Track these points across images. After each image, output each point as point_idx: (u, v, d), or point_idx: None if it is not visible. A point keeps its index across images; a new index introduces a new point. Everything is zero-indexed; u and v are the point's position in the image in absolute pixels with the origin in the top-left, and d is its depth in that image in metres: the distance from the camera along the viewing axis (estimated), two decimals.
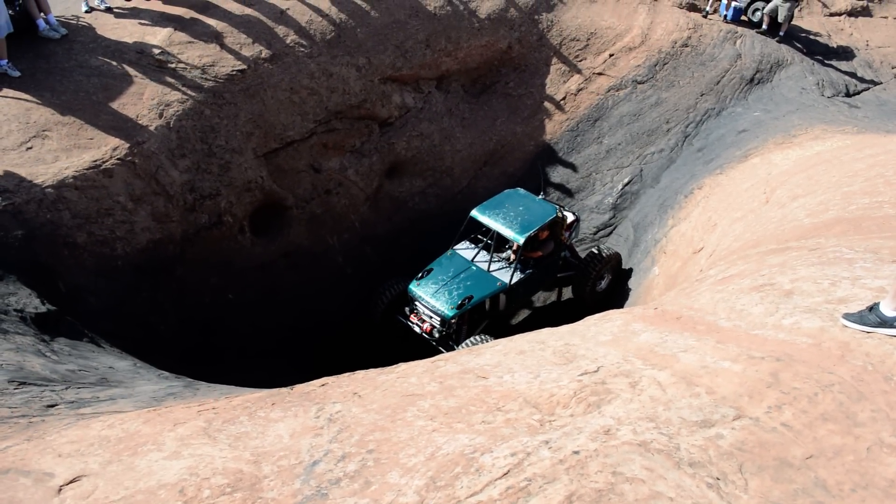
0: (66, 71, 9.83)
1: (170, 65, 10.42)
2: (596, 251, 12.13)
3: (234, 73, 10.78)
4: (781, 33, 15.56)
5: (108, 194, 8.88)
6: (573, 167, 14.17)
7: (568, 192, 14.01)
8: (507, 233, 10.84)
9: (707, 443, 3.20)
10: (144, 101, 9.83)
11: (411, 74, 13.13)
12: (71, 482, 3.29)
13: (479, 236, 11.93)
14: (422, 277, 11.01)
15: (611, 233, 13.41)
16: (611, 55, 14.84)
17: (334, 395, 4.07)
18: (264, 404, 3.97)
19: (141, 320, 8.84)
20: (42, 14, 10.34)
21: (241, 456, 3.37)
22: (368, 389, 4.12)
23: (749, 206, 9.59)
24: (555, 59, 14.79)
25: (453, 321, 10.48)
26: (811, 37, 16.35)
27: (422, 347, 10.68)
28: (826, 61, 15.71)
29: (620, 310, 5.50)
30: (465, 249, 11.61)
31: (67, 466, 3.43)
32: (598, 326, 4.83)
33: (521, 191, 11.97)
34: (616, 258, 12.31)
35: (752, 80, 14.60)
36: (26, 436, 3.86)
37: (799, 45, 15.80)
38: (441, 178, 13.45)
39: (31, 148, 8.72)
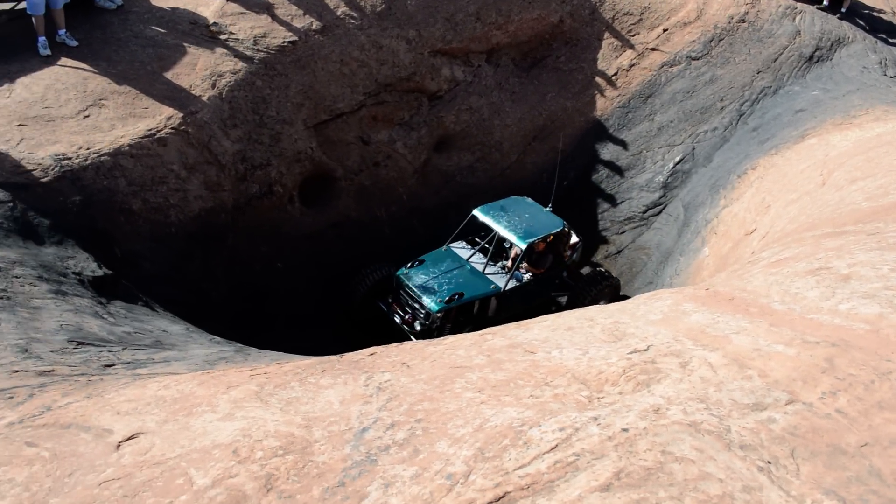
0: (121, 41, 10.00)
1: (222, 36, 10.52)
2: (596, 273, 11.87)
3: (286, 44, 10.84)
4: (843, 9, 15.07)
5: (163, 163, 9.04)
6: (623, 144, 13.99)
7: (617, 169, 13.85)
8: (509, 236, 10.60)
9: (759, 426, 3.17)
10: (198, 72, 9.95)
11: (461, 48, 13.05)
12: (129, 439, 3.40)
13: (477, 239, 11.68)
14: (412, 266, 10.69)
15: (660, 212, 13.23)
16: (665, 30, 14.55)
17: (383, 365, 4.12)
18: (314, 371, 4.04)
19: (193, 286, 9.03)
20: None
21: (292, 420, 3.44)
22: (417, 360, 4.16)
23: (805, 188, 9.38)
24: (607, 34, 14.56)
25: (438, 315, 10.10)
26: (874, 14, 15.81)
27: (398, 336, 10.49)
28: (890, 40, 15.19)
29: (671, 289, 5.45)
30: (460, 249, 11.35)
31: (125, 424, 3.54)
32: (648, 305, 4.79)
33: (529, 200, 11.76)
34: (615, 286, 11.92)
35: (811, 57, 14.19)
36: (86, 393, 3.98)
37: (861, 23, 15.29)
38: (489, 152, 13.40)
39: (88, 116, 8.90)
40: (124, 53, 9.77)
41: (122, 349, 5.56)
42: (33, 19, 9.48)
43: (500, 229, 10.68)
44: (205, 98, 9.71)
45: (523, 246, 10.46)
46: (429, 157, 12.71)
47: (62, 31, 9.67)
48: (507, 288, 10.65)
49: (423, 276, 10.45)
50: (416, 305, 10.23)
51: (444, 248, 11.24)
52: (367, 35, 11.71)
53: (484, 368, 3.94)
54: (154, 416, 3.60)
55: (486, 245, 11.28)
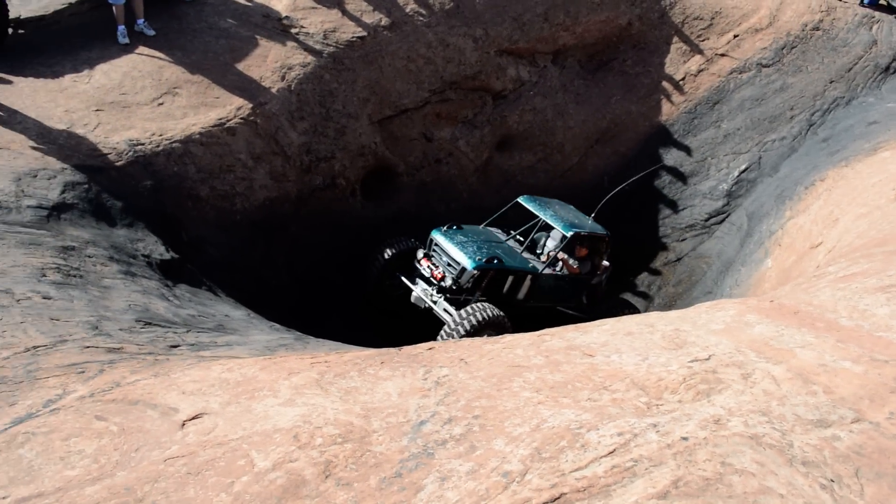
0: (196, 32, 10.25)
1: (293, 29, 10.69)
2: (618, 301, 11.44)
3: (354, 39, 10.97)
4: None
5: (231, 151, 9.25)
6: (688, 150, 13.77)
7: (681, 176, 13.65)
8: (555, 223, 10.29)
9: (822, 443, 3.11)
10: (268, 64, 10.14)
11: (527, 48, 13.01)
12: (193, 418, 3.50)
13: (511, 231, 11.07)
14: (449, 228, 10.10)
15: (723, 220, 12.99)
16: (735, 36, 14.27)
17: (441, 360, 4.15)
18: (374, 362, 4.09)
19: (255, 274, 9.22)
20: None
21: (351, 409, 3.50)
22: (475, 357, 4.18)
23: (875, 203, 9.10)
24: (675, 38, 14.34)
25: (474, 273, 9.37)
26: None
27: (422, 320, 9.96)
28: None
29: (734, 299, 5.37)
30: (497, 232, 10.94)
31: (190, 403, 3.65)
32: (710, 314, 4.73)
33: (572, 207, 11.50)
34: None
35: (887, 68, 13.75)
36: (153, 371, 4.11)
37: None
38: (551, 153, 13.34)
39: (162, 104, 9.15)
40: (198, 44, 10.02)
41: (187, 331, 5.71)
42: (114, 8, 9.78)
43: (546, 216, 10.38)
44: (274, 90, 9.89)
45: (569, 234, 10.11)
46: (490, 155, 12.71)
47: (141, 21, 9.96)
48: (543, 272, 10.14)
49: (461, 237, 9.88)
50: (450, 262, 9.57)
51: (482, 226, 10.88)
52: (435, 32, 11.77)
53: (542, 369, 3.95)
54: (217, 397, 3.70)
55: (520, 238, 10.84)
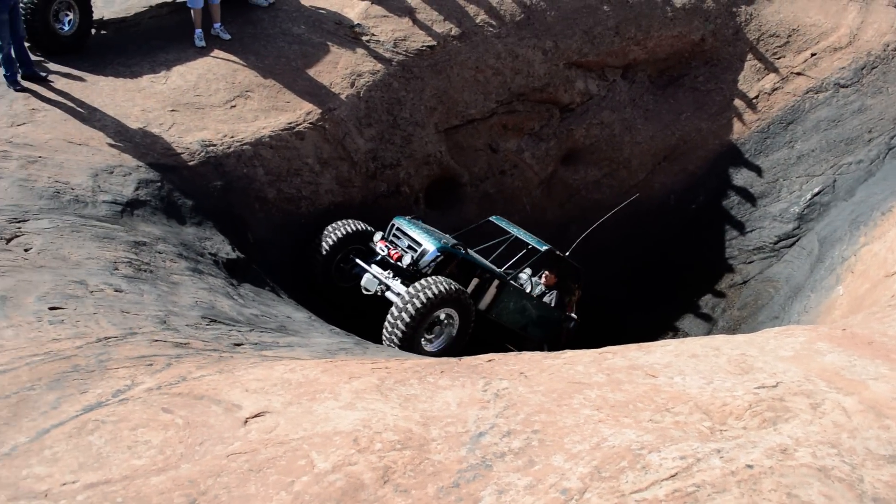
0: (270, 37, 10.48)
1: (364, 37, 10.84)
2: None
3: (424, 48, 11.06)
4: None
5: (299, 155, 9.41)
6: (758, 171, 13.47)
7: (750, 196, 13.35)
8: (529, 240, 9.79)
9: (895, 479, 2.99)
10: (338, 70, 10.30)
11: (597, 61, 12.93)
12: (256, 416, 3.56)
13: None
14: (414, 219, 9.42)
15: (793, 244, 12.64)
16: (813, 55, 13.91)
17: (501, 372, 4.14)
18: (433, 371, 4.11)
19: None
20: None
21: (410, 416, 3.51)
22: (535, 371, 4.16)
23: None
24: (750, 55, 14.07)
25: (438, 256, 8.60)
26: None
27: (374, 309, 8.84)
28: None
29: (803, 326, 5.22)
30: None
31: (253, 401, 3.71)
32: (779, 340, 4.61)
33: None
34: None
35: None
36: (218, 368, 4.20)
37: None
38: (617, 169, 13.21)
39: (234, 106, 9.37)
40: (272, 49, 10.23)
41: (250, 330, 5.82)
42: (192, 12, 10.08)
43: (520, 234, 9.90)
44: (343, 96, 10.04)
45: (543, 248, 9.59)
46: (555, 169, 12.65)
47: (217, 25, 10.23)
48: (510, 279, 9.31)
49: (426, 227, 9.20)
50: (411, 244, 8.80)
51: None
52: (504, 43, 11.79)
53: (603, 387, 3.90)
54: (280, 397, 3.75)
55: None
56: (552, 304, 10.06)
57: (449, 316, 8.25)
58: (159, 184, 7.99)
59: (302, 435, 3.33)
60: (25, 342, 4.39)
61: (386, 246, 8.91)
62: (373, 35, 10.89)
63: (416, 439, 3.28)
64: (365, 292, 8.74)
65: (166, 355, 4.43)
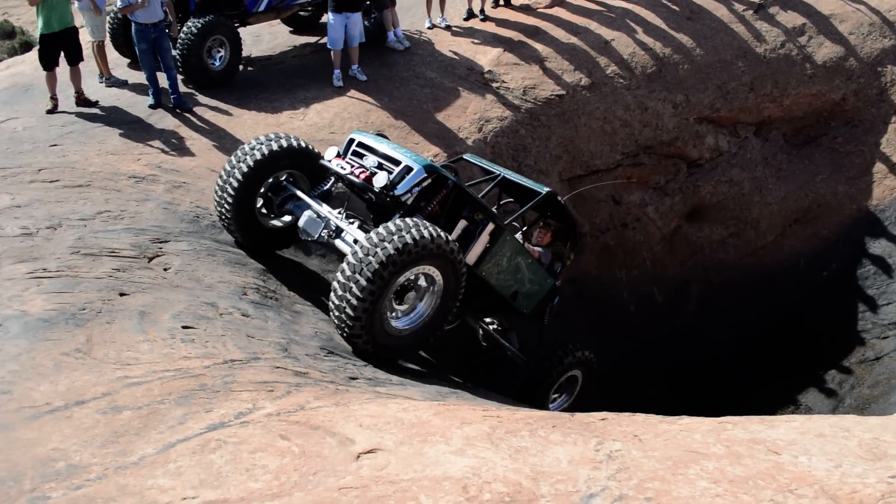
0: (404, 80, 10.82)
1: (494, 84, 11.03)
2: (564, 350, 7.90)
3: (553, 97, 11.13)
4: None
5: None
6: None
7: (887, 267, 12.58)
8: (523, 181, 7.77)
9: None
10: (467, 115, 10.49)
11: (729, 117, 12.64)
12: (368, 452, 3.60)
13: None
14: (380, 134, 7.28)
15: None
16: None
17: (614, 433, 4.03)
18: (545, 424, 4.05)
19: None
20: (392, 27, 11.47)
21: (520, 469, 3.46)
22: (649, 435, 4.03)
23: None
24: (895, 118, 13.38)
25: (425, 179, 6.35)
26: None
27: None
28: None
29: None
30: None
31: (366, 437, 3.76)
32: None
33: None
34: (591, 365, 8.29)
35: None
36: (334, 401, 4.29)
37: None
38: (744, 229, 12.77)
39: None
40: (405, 91, 10.56)
41: (365, 365, 5.93)
42: (332, 53, 10.57)
43: (509, 174, 7.82)
44: (470, 140, 10.21)
45: (544, 191, 7.52)
46: (679, 225, 12.37)
47: (355, 67, 10.67)
48: (507, 224, 7.04)
49: (400, 146, 7.06)
50: (384, 161, 6.51)
51: None
52: (634, 95, 11.71)
53: (721, 459, 3.73)
54: (392, 435, 3.79)
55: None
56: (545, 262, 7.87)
57: (430, 279, 5.99)
58: None
59: (412, 476, 3.34)
60: (159, 357, 4.63)
61: (347, 163, 6.60)
62: (503, 82, 11.06)
63: (526, 493, 3.23)
64: (304, 238, 6.72)
65: (286, 383, 4.56)
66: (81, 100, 9.61)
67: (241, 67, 10.76)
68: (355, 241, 6.03)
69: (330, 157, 6.76)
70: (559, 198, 7.76)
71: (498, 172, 7.75)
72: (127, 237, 6.58)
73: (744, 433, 4.22)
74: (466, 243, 6.63)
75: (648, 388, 10.89)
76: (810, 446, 4.00)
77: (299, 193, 6.88)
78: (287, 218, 7.10)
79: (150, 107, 9.61)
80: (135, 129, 9.12)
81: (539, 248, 7.86)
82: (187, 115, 9.52)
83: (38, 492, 3.12)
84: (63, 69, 9.52)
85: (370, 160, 6.53)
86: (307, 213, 6.55)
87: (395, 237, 5.47)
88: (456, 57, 11.43)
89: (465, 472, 3.41)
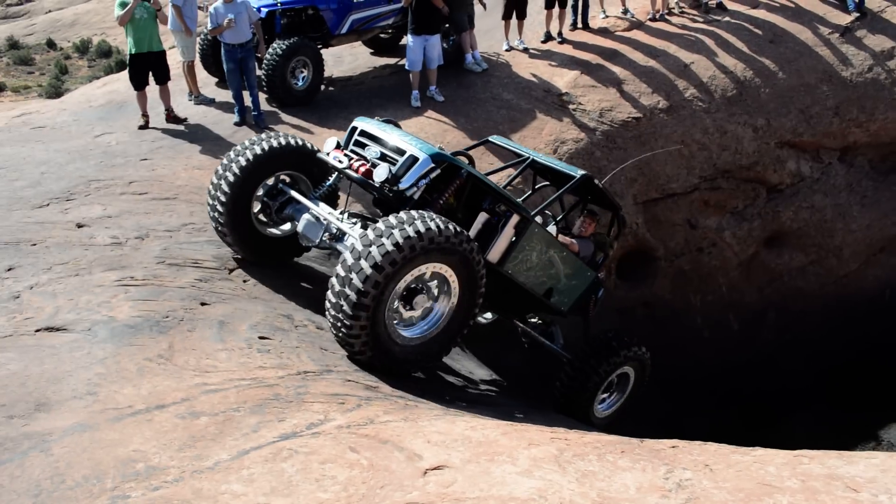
0: (480, 101, 10.92)
1: (570, 105, 11.03)
2: (619, 342, 7.21)
3: (629, 119, 11.06)
4: None
5: None
6: None
7: None
8: (555, 165, 7.11)
9: None
10: (543, 136, 10.52)
11: (812, 142, 12.31)
12: (435, 468, 3.64)
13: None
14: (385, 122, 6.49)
15: None
16: None
17: (684, 461, 3.97)
18: (613, 449, 4.02)
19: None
20: (470, 49, 11.61)
21: (587, 493, 3.45)
22: (721, 466, 3.95)
23: None
24: None
25: (433, 169, 5.64)
26: None
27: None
28: None
29: None
30: None
31: (434, 454, 3.80)
32: None
33: None
34: (644, 363, 7.56)
35: None
36: (403, 416, 4.36)
37: None
38: (826, 256, 12.38)
39: None
40: (481, 112, 10.66)
41: (433, 380, 5.99)
42: (410, 75, 10.76)
43: (541, 158, 7.19)
44: None
45: (578, 174, 6.79)
46: (757, 251, 12.07)
47: (433, 88, 10.83)
48: (535, 216, 6.26)
49: (409, 133, 6.37)
50: (387, 153, 5.86)
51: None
52: (713, 119, 11.53)
53: (796, 494, 3.64)
54: (459, 453, 3.82)
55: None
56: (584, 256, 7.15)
57: (441, 279, 5.30)
58: None
59: (478, 495, 3.36)
60: (236, 366, 4.79)
61: (346, 156, 6.02)
62: (580, 104, 11.06)
63: None
64: (305, 244, 6.19)
65: (357, 396, 4.66)
66: (171, 117, 10.08)
67: (322, 87, 11.06)
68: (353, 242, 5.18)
69: (329, 149, 6.15)
70: (596, 181, 7.03)
71: (527, 155, 7.09)
72: (209, 249, 6.83)
73: (821, 468, 4.10)
74: (489, 239, 5.95)
75: (721, 416, 10.63)
76: (892, 486, 3.87)
77: (297, 196, 6.25)
78: (287, 226, 6.60)
79: (235, 124, 10.00)
80: (220, 145, 9.47)
81: (573, 240, 7.11)
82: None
83: (118, 490, 3.26)
84: (153, 88, 9.99)
85: (372, 151, 5.90)
86: (305, 217, 5.96)
87: (396, 231, 4.83)
88: (533, 79, 11.48)
89: (531, 493, 3.42)
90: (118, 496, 3.21)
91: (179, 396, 4.21)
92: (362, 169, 5.74)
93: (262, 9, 10.54)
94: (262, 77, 10.30)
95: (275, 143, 6.17)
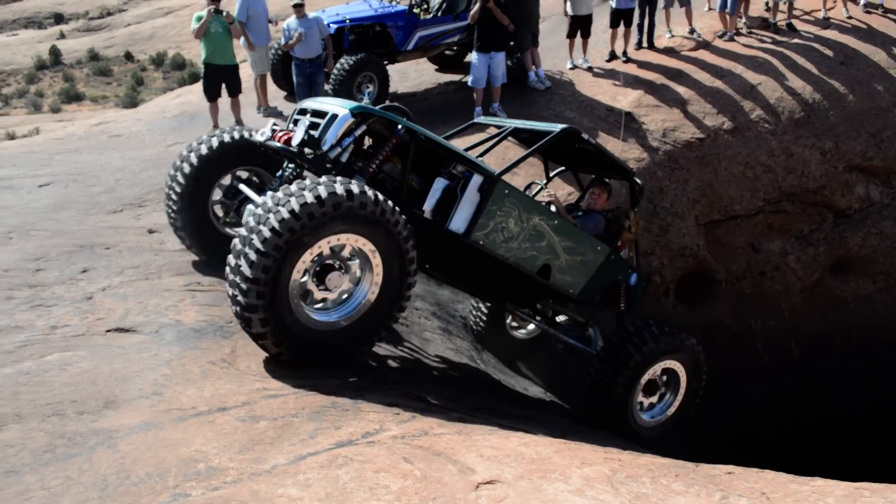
0: (543, 119, 10.95)
1: (633, 125, 10.96)
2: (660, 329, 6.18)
3: (693, 140, 10.96)
4: None
5: None
6: None
7: None
8: (540, 126, 6.34)
9: None
10: None
11: (883, 166, 11.99)
12: (487, 483, 3.67)
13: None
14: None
15: None
16: None
17: (740, 488, 3.93)
18: (668, 472, 4.00)
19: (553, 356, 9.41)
20: (534, 67, 11.67)
21: None
22: (778, 494, 3.90)
23: None
24: None
25: (351, 123, 5.01)
26: None
27: None
28: None
29: None
30: None
31: (486, 468, 3.84)
32: None
33: None
34: (696, 357, 6.53)
35: None
36: (457, 429, 4.41)
37: None
38: (894, 285, 12.01)
39: None
40: None
41: (488, 394, 6.03)
42: (474, 92, 10.85)
43: (525, 123, 6.62)
44: None
45: (558, 128, 6.02)
46: (822, 277, 11.78)
47: (496, 105, 10.91)
48: (502, 175, 5.33)
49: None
50: (317, 119, 5.22)
51: None
52: (780, 141, 11.34)
53: None
54: (511, 469, 3.86)
55: None
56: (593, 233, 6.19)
57: (363, 256, 4.71)
58: None
59: None
60: (295, 373, 4.91)
61: (271, 129, 5.57)
62: (642, 123, 11.00)
63: None
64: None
65: (412, 407, 4.73)
66: None
67: (387, 102, 11.22)
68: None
69: (266, 132, 5.60)
70: (584, 135, 6.11)
71: (509, 125, 6.33)
72: None
73: (883, 502, 4.02)
74: (450, 204, 5.20)
75: (780, 443, 10.38)
76: None
77: (245, 190, 5.88)
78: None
79: None
80: None
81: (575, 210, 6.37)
82: None
83: (179, 489, 3.38)
84: (225, 100, 10.30)
85: (303, 122, 5.28)
86: (248, 209, 5.36)
87: (293, 199, 4.29)
88: (596, 98, 11.47)
89: None
90: (179, 494, 3.33)
91: (240, 400, 4.33)
92: (284, 137, 5.31)
93: (331, 25, 10.80)
94: (329, 91, 10.53)
95: (227, 138, 5.88)
